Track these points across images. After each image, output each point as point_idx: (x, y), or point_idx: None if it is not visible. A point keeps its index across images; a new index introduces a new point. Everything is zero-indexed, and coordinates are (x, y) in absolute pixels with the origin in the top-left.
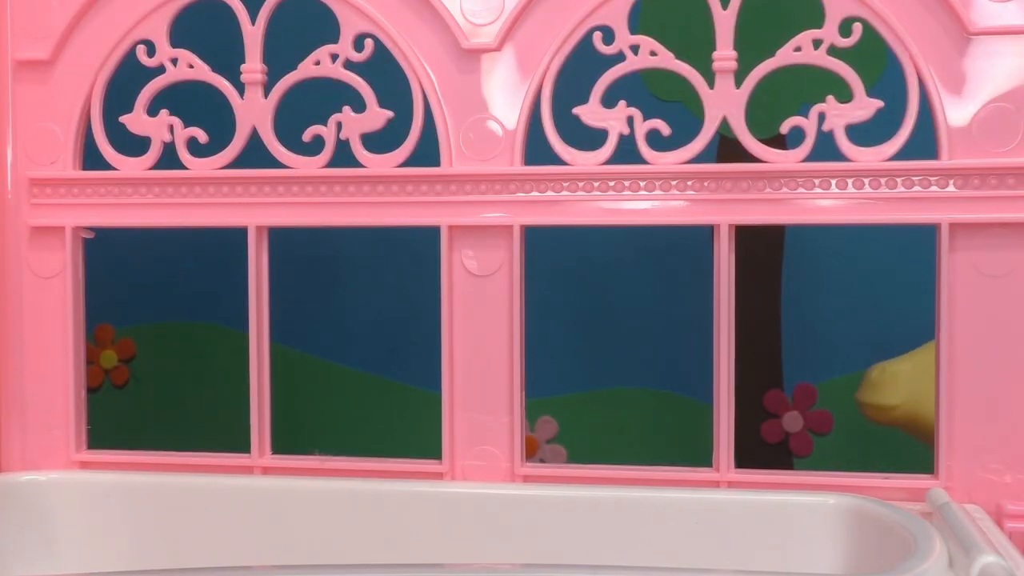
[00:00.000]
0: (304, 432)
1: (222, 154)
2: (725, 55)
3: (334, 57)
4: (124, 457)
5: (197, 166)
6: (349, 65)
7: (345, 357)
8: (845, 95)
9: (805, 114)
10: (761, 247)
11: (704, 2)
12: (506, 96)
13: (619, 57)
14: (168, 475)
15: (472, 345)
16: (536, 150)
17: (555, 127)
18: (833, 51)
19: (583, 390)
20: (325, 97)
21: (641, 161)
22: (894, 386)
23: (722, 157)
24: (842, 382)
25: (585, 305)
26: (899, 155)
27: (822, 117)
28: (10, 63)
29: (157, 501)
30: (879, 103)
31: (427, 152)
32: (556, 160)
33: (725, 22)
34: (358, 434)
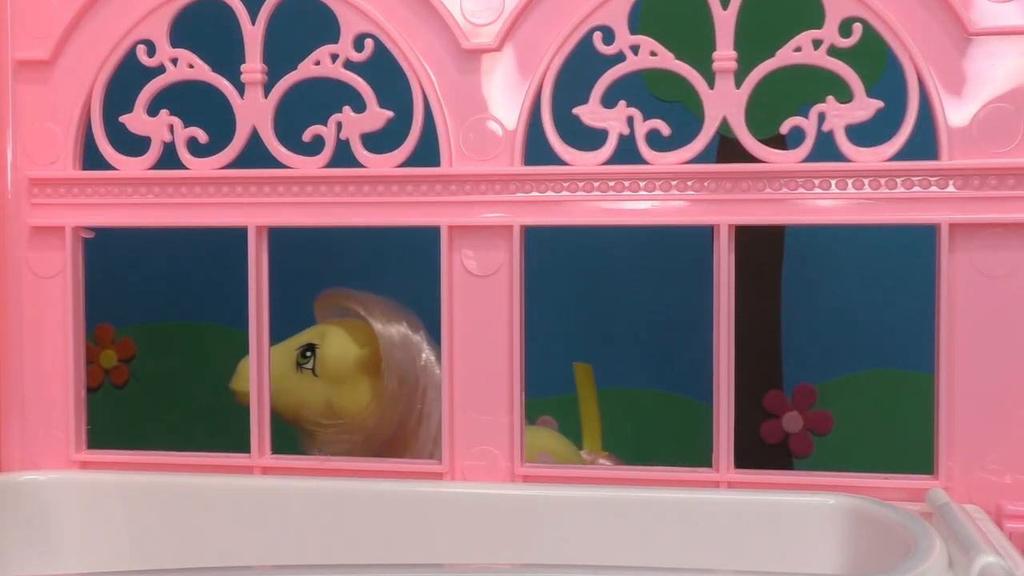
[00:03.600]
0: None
1: (222, 154)
2: (725, 55)
3: (334, 57)
4: (124, 457)
5: (197, 166)
6: (349, 65)
7: None
8: (845, 95)
9: (805, 114)
10: (761, 247)
11: (704, 2)
12: (506, 96)
13: (619, 57)
14: (168, 475)
15: (472, 345)
16: (536, 150)
17: (555, 127)
18: (833, 51)
19: None
20: (325, 97)
21: (641, 161)
22: (247, 375)
23: (722, 157)
24: (842, 382)
25: (585, 305)
26: (899, 155)
27: (822, 117)
28: (10, 63)
29: (157, 501)
30: (879, 103)
31: (427, 152)
32: (556, 160)
33: (725, 22)
34: None
